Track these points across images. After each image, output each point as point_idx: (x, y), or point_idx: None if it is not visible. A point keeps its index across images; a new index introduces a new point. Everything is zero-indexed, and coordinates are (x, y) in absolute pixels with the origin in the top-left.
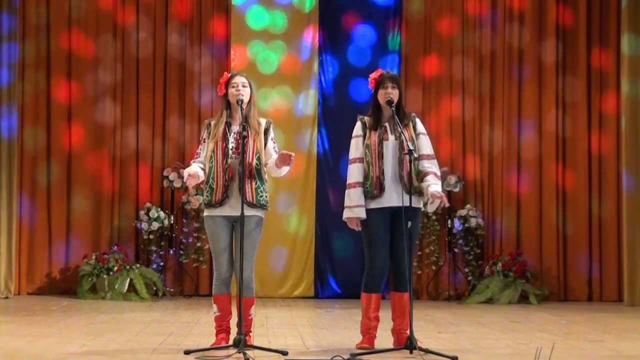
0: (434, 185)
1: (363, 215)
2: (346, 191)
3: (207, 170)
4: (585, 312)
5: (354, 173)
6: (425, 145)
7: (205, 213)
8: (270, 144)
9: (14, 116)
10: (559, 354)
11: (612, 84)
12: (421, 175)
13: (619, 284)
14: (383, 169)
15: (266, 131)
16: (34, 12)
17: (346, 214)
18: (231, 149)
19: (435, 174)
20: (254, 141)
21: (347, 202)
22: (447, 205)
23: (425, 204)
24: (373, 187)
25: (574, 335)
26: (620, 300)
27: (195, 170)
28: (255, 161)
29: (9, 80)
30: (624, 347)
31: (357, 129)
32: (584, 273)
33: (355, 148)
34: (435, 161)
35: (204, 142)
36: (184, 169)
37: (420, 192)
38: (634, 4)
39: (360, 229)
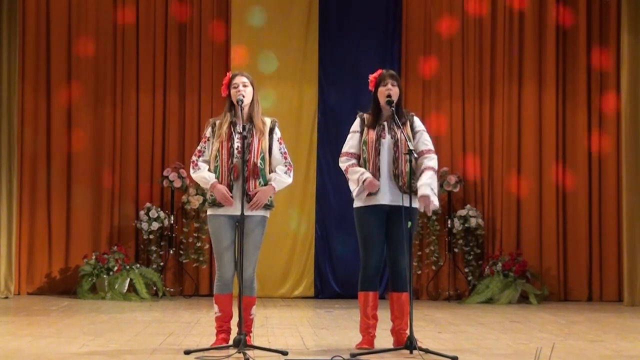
0: (423, 187)
1: (368, 175)
2: (347, 176)
3: (212, 170)
4: (585, 312)
5: (346, 162)
6: (426, 141)
7: (209, 212)
8: (276, 145)
9: (14, 116)
10: (559, 354)
11: (612, 84)
12: (419, 173)
13: (619, 284)
14: (379, 167)
15: (271, 131)
16: (34, 14)
17: (356, 191)
18: (236, 149)
19: (432, 169)
20: (259, 140)
21: (352, 180)
22: (434, 209)
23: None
24: None
25: (574, 335)
26: (620, 300)
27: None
28: (259, 161)
29: (9, 80)
30: (624, 347)
31: (356, 125)
32: (584, 273)
33: (350, 143)
34: (434, 156)
35: (208, 140)
36: (184, 168)
37: (416, 192)
38: (634, 4)
39: (379, 185)
